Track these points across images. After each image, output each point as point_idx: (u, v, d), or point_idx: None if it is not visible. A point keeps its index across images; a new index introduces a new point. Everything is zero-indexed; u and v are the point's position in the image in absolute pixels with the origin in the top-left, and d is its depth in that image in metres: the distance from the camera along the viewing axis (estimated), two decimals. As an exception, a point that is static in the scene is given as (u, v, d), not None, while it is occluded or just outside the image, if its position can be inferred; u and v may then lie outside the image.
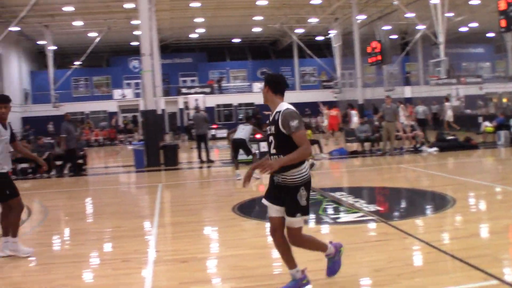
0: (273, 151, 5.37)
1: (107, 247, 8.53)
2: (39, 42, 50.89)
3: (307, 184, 5.34)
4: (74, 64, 50.83)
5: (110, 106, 50.39)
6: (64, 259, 7.66)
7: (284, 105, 5.39)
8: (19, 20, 33.81)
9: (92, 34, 46.73)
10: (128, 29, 44.59)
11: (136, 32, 41.03)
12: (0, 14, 40.07)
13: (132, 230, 9.54)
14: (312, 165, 16.47)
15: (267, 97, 5.55)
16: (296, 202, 5.29)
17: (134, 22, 38.93)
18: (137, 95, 49.11)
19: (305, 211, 5.37)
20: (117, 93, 52.44)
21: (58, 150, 20.60)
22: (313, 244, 5.82)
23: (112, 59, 57.50)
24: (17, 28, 39.41)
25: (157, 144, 20.98)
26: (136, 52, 37.26)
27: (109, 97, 52.58)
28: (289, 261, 5.55)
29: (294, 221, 5.33)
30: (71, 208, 12.75)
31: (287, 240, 5.51)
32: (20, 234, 7.59)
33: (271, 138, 5.40)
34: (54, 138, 23.87)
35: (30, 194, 14.74)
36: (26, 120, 48.66)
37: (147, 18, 22.06)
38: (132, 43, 49.72)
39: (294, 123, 5.15)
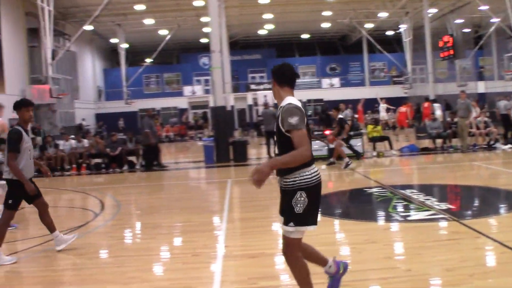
0: (277, 151, 5.02)
1: (178, 241, 8.63)
2: (111, 41, 52.03)
3: (310, 189, 4.60)
4: (145, 62, 51.52)
5: (180, 102, 50.97)
6: (136, 252, 7.79)
7: (288, 100, 4.71)
8: (93, 19, 34.60)
9: (162, 32, 47.41)
10: (198, 26, 44.96)
11: (205, 29, 41.51)
12: (75, 13, 41.23)
13: (202, 225, 9.62)
14: (347, 165, 16.11)
15: (274, 91, 4.95)
16: (290, 208, 4.62)
17: (203, 19, 39.22)
18: (207, 91, 49.46)
19: (299, 221, 4.62)
20: (187, 89, 52.87)
21: (130, 146, 21.03)
22: (305, 270, 4.95)
23: (182, 56, 58.07)
24: (91, 27, 40.38)
25: (227, 140, 21.10)
26: (206, 49, 37.52)
27: (180, 93, 53.11)
28: (319, 260, 5.31)
29: (287, 231, 4.68)
30: (142, 203, 12.98)
31: (305, 248, 5.11)
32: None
33: (276, 137, 4.95)
34: (125, 134, 24.30)
35: (103, 188, 15.12)
36: (99, 117, 49.79)
37: (216, 15, 22.18)
38: (202, 40, 50.10)
39: (293, 120, 4.47)
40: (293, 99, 4.71)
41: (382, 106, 33.44)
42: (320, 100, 49.00)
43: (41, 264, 7.46)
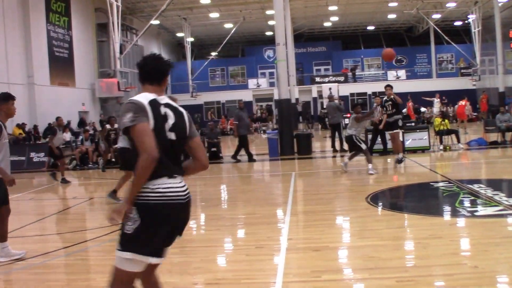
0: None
1: (241, 233, 8.70)
2: (178, 34, 52.79)
3: (152, 209, 3.50)
4: (210, 55, 52.03)
5: (245, 95, 51.10)
6: (200, 243, 7.90)
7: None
8: (159, 14, 35.09)
9: (227, 25, 47.89)
10: (263, 19, 45.11)
11: (270, 22, 41.65)
12: (142, 9, 41.93)
13: (266, 217, 9.65)
14: (399, 161, 15.21)
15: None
16: (122, 226, 3.58)
17: (268, 12, 39.36)
18: (272, 84, 49.56)
19: (127, 245, 3.53)
20: (252, 82, 53.12)
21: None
22: None
23: (247, 49, 58.33)
24: (157, 22, 41.06)
25: (291, 133, 21.08)
26: (270, 42, 37.61)
27: (244, 86, 53.41)
28: None
29: (117, 256, 3.58)
30: (207, 195, 13.10)
31: None
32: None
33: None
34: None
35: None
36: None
37: (281, 8, 22.13)
38: (267, 33, 50.31)
39: (126, 117, 3.52)
40: (137, 96, 3.74)
41: (437, 101, 33.08)
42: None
43: (109, 253, 7.63)
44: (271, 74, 50.71)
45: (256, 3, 41.34)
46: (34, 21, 31.26)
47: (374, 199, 10.49)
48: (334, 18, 49.42)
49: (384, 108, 15.80)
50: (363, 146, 14.32)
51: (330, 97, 23.67)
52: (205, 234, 8.80)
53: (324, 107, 37.81)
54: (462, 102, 30.13)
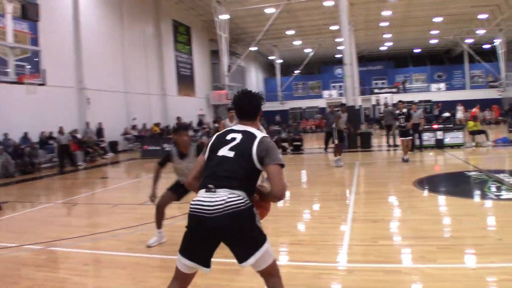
0: None
1: (317, 206, 8.72)
2: (270, 57, 53.36)
3: (188, 217, 3.12)
4: (294, 72, 52.34)
5: (320, 103, 50.87)
6: (286, 213, 7.99)
7: None
8: (256, 42, 35.52)
9: (307, 50, 48.41)
10: (334, 45, 45.02)
11: (339, 47, 41.43)
12: (243, 38, 42.51)
13: (336, 195, 9.64)
14: (406, 160, 14.39)
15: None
16: None
17: (337, 39, 39.19)
18: (341, 94, 49.06)
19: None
20: (326, 93, 52.97)
21: (283, 135, 21.44)
22: None
23: (322, 68, 58.07)
24: (255, 48, 41.55)
25: (355, 132, 20.85)
26: (339, 62, 37.45)
27: (320, 96, 53.23)
28: None
29: None
30: (291, 177, 13.16)
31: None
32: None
33: None
34: (280, 126, 24.79)
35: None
36: (262, 113, 51.29)
37: (347, 36, 21.99)
38: (337, 55, 50.24)
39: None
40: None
41: (460, 109, 33.08)
42: (429, 101, 46.94)
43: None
44: (340, 86, 50.10)
45: (329, 33, 41.29)
46: (165, 49, 32.41)
47: (419, 183, 10.24)
48: (389, 43, 48.89)
49: (399, 121, 14.87)
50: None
51: (385, 104, 23.11)
52: (290, 206, 8.87)
53: (381, 112, 37.08)
54: (474, 109, 32.00)
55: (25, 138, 19.14)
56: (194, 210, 3.02)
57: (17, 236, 7.51)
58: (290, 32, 41.46)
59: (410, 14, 36.70)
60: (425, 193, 9.45)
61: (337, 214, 7.63)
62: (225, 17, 33.03)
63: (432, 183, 10.70)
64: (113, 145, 24.72)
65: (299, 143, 21.28)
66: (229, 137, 3.24)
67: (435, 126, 19.22)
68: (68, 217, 9.02)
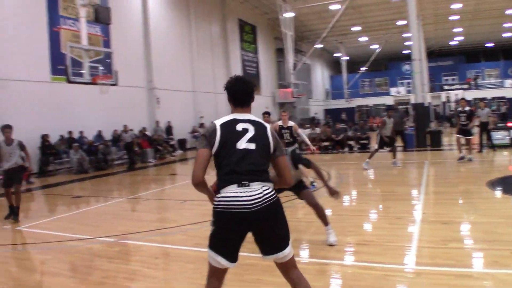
0: None
1: (384, 206, 8.51)
2: (335, 55, 52.96)
3: (215, 215, 3.07)
4: (360, 69, 51.61)
5: (387, 100, 49.84)
6: (352, 213, 7.88)
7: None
8: (322, 39, 35.21)
9: (373, 46, 47.54)
10: (401, 40, 44.05)
11: (407, 43, 40.32)
12: (308, 36, 42.40)
13: (404, 195, 9.39)
14: (469, 159, 13.84)
15: None
16: None
17: (405, 35, 38.33)
18: (409, 91, 47.88)
19: (209, 243, 3.12)
20: (393, 90, 52.04)
21: (349, 133, 21.17)
22: None
23: (389, 64, 56.84)
24: (320, 45, 41.17)
25: (425, 130, 20.21)
26: (407, 58, 36.29)
27: (387, 93, 52.30)
28: None
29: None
30: (358, 176, 12.99)
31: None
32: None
33: None
34: (346, 123, 24.49)
35: (329, 164, 15.37)
36: (326, 111, 50.95)
37: (416, 31, 21.26)
38: (404, 51, 48.88)
39: (199, 141, 3.19)
40: (223, 118, 3.26)
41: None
42: (503, 98, 44.61)
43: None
44: (408, 83, 48.80)
45: (396, 28, 40.28)
46: (232, 49, 32.87)
47: (492, 184, 9.75)
48: (459, 38, 46.91)
49: (460, 118, 14.20)
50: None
51: (457, 101, 22.23)
52: (356, 205, 8.75)
53: (452, 109, 35.74)
54: None
55: (99, 136, 20.03)
56: (231, 206, 2.98)
57: (91, 228, 7.88)
58: (355, 29, 40.85)
59: (481, 7, 35.07)
60: (499, 194, 9.00)
61: (405, 215, 7.42)
62: (290, 15, 32.99)
63: (507, 184, 10.17)
64: (182, 143, 25.41)
65: (365, 141, 20.93)
66: (239, 128, 3.15)
67: (510, 124, 18.25)
68: (138, 212, 9.35)
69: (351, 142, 21.03)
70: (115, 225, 8.06)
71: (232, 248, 3.07)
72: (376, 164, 14.76)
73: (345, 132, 21.55)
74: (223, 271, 3.14)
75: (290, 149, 9.95)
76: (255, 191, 2.99)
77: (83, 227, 8.14)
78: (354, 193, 10.32)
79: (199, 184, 3.10)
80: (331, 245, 5.73)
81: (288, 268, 3.20)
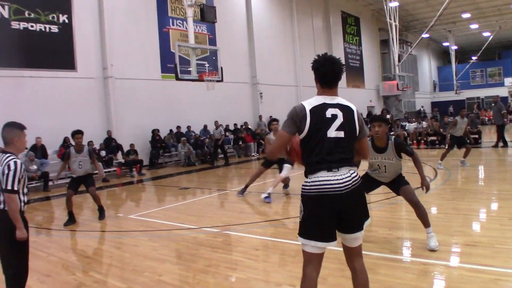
0: None
1: (495, 206, 7.95)
2: (443, 44, 50.47)
3: (306, 200, 3.15)
4: (471, 59, 48.85)
5: (501, 91, 46.52)
6: (460, 212, 7.46)
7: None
8: (429, 29, 33.71)
9: (485, 34, 44.66)
10: (517, 26, 40.87)
11: (526, 29, 37.33)
12: (415, 25, 40.72)
13: (518, 194, 8.73)
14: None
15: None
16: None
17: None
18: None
19: (299, 231, 3.20)
20: (507, 80, 48.37)
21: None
22: None
23: (503, 53, 52.88)
24: (427, 35, 39.53)
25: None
26: (525, 45, 33.75)
27: (501, 84, 48.78)
28: None
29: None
30: (468, 173, 12.23)
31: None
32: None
33: None
34: (453, 117, 23.20)
35: (435, 159, 14.64)
36: (433, 104, 48.70)
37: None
38: (522, 39, 45.45)
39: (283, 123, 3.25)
40: (309, 100, 3.25)
41: None
42: None
43: (389, 211, 7.65)
44: (525, 73, 45.34)
45: (511, 13, 37.33)
46: (335, 42, 32.52)
47: None
48: None
49: None
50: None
51: None
52: (465, 204, 8.26)
53: None
54: None
55: (205, 130, 20.81)
56: (323, 189, 3.08)
57: (196, 219, 8.24)
58: (466, 15, 38.42)
59: None
60: None
61: (519, 215, 6.90)
62: (394, 4, 31.93)
63: None
64: (284, 137, 25.58)
65: (476, 136, 19.68)
66: (328, 114, 3.17)
67: None
68: (241, 204, 9.59)
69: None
70: (219, 216, 8.35)
71: (328, 229, 3.14)
72: (489, 160, 13.88)
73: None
74: (320, 256, 3.20)
75: (285, 164, 9.37)
76: (344, 175, 3.12)
77: (189, 217, 8.53)
78: (462, 191, 9.77)
79: (273, 160, 3.36)
80: (431, 250, 5.33)
81: (354, 255, 3.31)
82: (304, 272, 3.20)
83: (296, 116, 3.16)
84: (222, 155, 19.99)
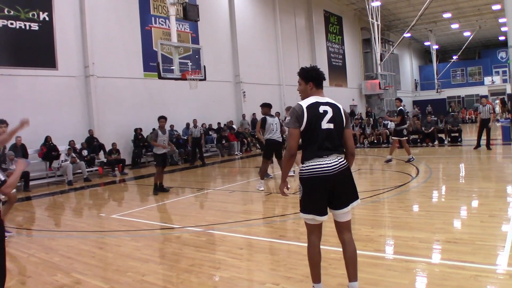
0: None
1: (476, 203, 8.06)
2: (425, 43, 51.09)
3: (306, 181, 3.78)
4: (452, 58, 49.48)
5: (481, 90, 47.29)
6: (441, 209, 7.54)
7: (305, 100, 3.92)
8: (410, 28, 34.02)
9: (466, 33, 45.43)
10: (496, 26, 41.63)
11: (503, 28, 37.98)
12: (396, 25, 41.15)
13: (499, 192, 8.85)
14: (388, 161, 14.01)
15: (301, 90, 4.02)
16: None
17: (501, 20, 36.09)
18: (504, 80, 45.05)
19: (300, 207, 3.90)
20: (487, 79, 49.11)
21: (440, 126, 20.31)
22: (310, 263, 3.95)
23: (483, 52, 53.73)
24: (409, 34, 39.91)
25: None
26: (503, 45, 34.28)
27: (481, 83, 49.52)
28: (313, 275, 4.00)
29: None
30: (449, 170, 12.44)
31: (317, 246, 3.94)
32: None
33: None
34: (437, 116, 23.48)
35: (418, 158, 14.82)
36: (415, 102, 49.23)
37: (514, 16, 19.82)
38: (500, 38, 46.10)
39: (287, 120, 3.87)
40: (304, 100, 3.89)
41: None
42: None
43: (371, 209, 7.69)
44: (504, 72, 45.88)
45: (490, 13, 37.98)
46: (317, 41, 32.62)
47: None
48: None
49: None
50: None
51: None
52: (446, 202, 8.37)
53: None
54: None
55: (187, 129, 20.71)
56: (318, 171, 3.75)
57: (180, 218, 8.21)
58: (446, 15, 38.95)
59: None
60: None
61: (499, 213, 6.98)
62: (377, 3, 32.17)
63: None
64: (267, 136, 25.60)
65: (456, 134, 19.94)
66: (321, 110, 3.82)
67: None
68: (225, 203, 9.58)
69: (442, 135, 20.17)
70: (202, 215, 8.33)
71: (322, 205, 3.81)
72: (470, 158, 14.06)
73: (435, 125, 20.59)
74: (319, 227, 3.90)
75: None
76: (333, 160, 3.78)
77: (173, 216, 8.49)
78: (444, 189, 9.88)
79: (295, 154, 3.89)
80: None
81: (344, 229, 3.93)
82: (308, 239, 3.91)
83: (297, 113, 3.79)
84: (207, 154, 19.92)
